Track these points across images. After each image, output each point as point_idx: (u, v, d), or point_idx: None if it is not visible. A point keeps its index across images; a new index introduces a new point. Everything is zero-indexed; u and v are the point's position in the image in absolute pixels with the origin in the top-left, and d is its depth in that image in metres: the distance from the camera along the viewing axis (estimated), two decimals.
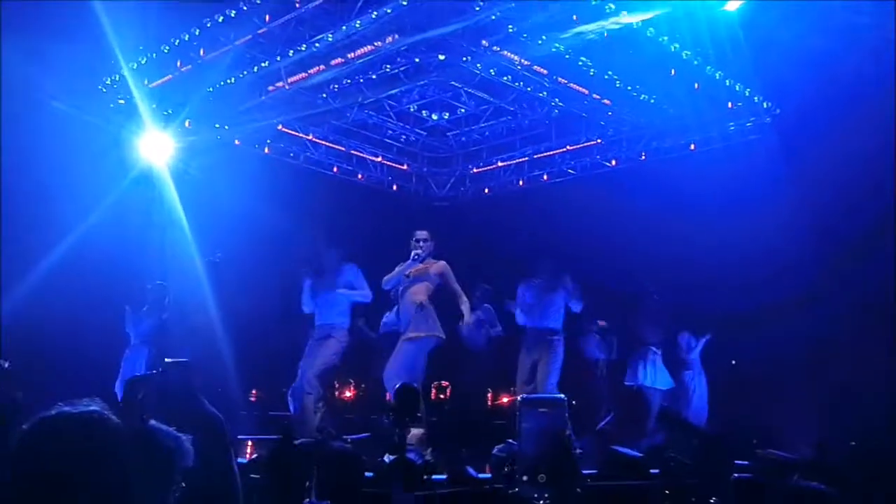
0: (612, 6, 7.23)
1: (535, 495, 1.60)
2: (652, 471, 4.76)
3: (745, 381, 8.67)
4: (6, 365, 6.82)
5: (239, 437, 6.70)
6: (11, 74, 7.69)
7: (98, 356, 7.99)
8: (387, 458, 4.55)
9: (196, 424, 2.30)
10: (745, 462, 5.02)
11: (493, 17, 7.49)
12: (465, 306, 6.98)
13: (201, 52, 8.34)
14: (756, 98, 8.98)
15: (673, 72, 8.28)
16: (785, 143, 8.64)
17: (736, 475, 3.44)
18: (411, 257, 6.98)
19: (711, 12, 7.75)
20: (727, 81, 8.61)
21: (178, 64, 8.59)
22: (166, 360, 5.47)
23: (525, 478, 1.57)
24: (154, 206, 9.26)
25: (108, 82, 9.03)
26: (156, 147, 9.20)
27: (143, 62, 8.61)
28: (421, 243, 7.00)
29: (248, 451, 6.69)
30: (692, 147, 9.89)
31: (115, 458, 1.61)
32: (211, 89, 8.72)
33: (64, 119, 8.28)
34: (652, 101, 9.15)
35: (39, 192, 7.96)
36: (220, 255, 8.23)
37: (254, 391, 10.10)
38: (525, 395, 6.33)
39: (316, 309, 7.38)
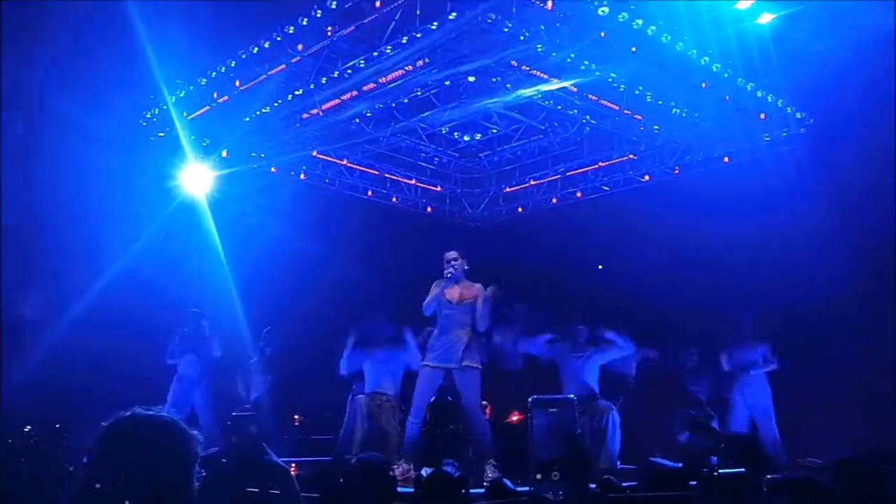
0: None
1: (550, 493, 1.61)
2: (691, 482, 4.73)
3: (782, 393, 8.45)
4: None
5: (283, 459, 6.82)
6: (60, 116, 8.08)
7: (142, 380, 8.20)
8: (424, 471, 4.58)
9: (265, 474, 2.50)
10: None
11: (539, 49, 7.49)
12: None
13: (237, 83, 8.56)
14: (789, 109, 8.91)
15: (704, 85, 8.24)
16: (818, 154, 8.54)
17: (769, 476, 3.40)
18: (445, 276, 6.96)
19: (741, 25, 7.77)
20: (759, 93, 8.57)
21: (215, 95, 8.83)
22: (234, 413, 5.73)
23: (539, 476, 1.57)
24: (192, 236, 9.51)
25: (148, 116, 9.36)
26: (194, 178, 9.46)
27: (181, 95, 8.90)
28: (452, 262, 6.95)
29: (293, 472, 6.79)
30: (726, 160, 9.83)
31: (186, 453, 1.82)
32: (247, 119, 8.95)
33: (108, 157, 8.57)
34: (684, 114, 9.08)
35: (83, 226, 8.30)
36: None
37: (296, 416, 10.23)
38: (535, 396, 6.40)
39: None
